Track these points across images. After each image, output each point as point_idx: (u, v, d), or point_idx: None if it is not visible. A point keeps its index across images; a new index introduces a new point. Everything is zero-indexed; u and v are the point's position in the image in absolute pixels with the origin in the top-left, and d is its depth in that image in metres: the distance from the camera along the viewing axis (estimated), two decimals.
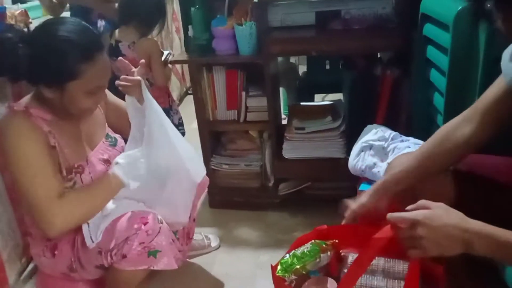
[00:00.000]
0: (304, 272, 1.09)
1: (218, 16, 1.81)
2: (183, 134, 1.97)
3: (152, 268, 1.16)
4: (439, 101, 1.34)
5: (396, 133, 1.46)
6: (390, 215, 0.84)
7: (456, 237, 0.76)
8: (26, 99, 1.18)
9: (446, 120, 1.29)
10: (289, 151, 1.84)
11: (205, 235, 1.77)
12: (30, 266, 1.59)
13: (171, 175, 1.25)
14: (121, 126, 1.38)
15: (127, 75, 1.27)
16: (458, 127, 0.99)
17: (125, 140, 1.37)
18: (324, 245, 1.13)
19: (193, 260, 1.69)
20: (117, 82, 1.26)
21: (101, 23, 2.00)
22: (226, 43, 1.77)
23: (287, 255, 1.12)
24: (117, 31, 1.85)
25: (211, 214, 2.00)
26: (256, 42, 1.74)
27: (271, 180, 1.96)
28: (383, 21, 1.70)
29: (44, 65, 1.07)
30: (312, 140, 1.82)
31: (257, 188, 1.99)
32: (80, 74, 1.08)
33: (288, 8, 1.78)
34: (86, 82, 1.10)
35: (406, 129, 1.61)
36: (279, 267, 1.08)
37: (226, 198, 2.01)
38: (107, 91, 1.29)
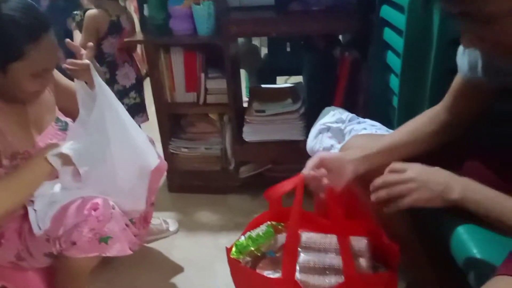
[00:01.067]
0: (259, 254, 1.09)
1: None
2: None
3: (104, 255, 1.13)
4: (395, 83, 1.35)
5: (353, 115, 1.47)
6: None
7: (444, 182, 0.78)
8: None
9: (401, 101, 1.32)
10: (250, 134, 1.83)
11: (163, 219, 1.74)
12: None
13: (123, 162, 1.21)
14: (72, 109, 1.31)
15: (75, 58, 1.20)
16: (430, 119, 1.00)
17: None
18: (280, 227, 1.13)
19: (151, 245, 1.67)
20: (64, 65, 1.19)
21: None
22: (183, 23, 1.72)
23: (242, 237, 1.11)
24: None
25: (170, 198, 1.97)
26: (214, 22, 1.70)
27: (231, 164, 1.94)
28: (342, 3, 1.69)
29: None
30: (272, 123, 1.81)
31: (218, 171, 1.97)
32: (24, 55, 1.01)
33: None
34: (31, 63, 1.03)
35: (364, 111, 1.63)
36: (233, 249, 1.08)
37: (185, 182, 1.99)
38: (56, 72, 1.23)
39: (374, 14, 1.50)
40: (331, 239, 1.05)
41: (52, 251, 1.12)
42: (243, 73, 2.56)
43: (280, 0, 1.74)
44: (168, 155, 1.91)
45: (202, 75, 1.82)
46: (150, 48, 1.78)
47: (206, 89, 1.85)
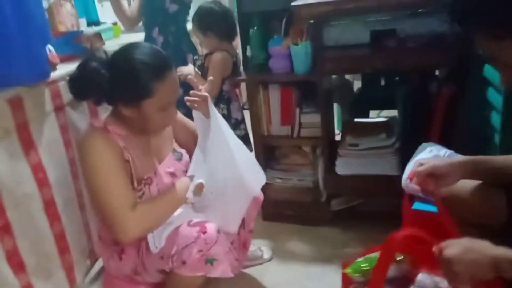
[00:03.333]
0: (369, 277, 1.10)
1: (275, 36, 1.89)
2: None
3: (208, 275, 1.23)
4: (496, 119, 1.32)
5: (452, 151, 1.44)
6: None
7: (485, 264, 0.82)
8: (104, 116, 1.31)
9: (503, 139, 1.28)
10: (342, 167, 1.86)
11: (258, 246, 1.83)
12: (95, 267, 1.73)
13: (228, 186, 1.33)
14: (187, 143, 1.48)
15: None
16: None
17: (190, 156, 1.46)
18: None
19: (246, 270, 1.75)
20: (186, 97, 1.37)
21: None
22: (282, 62, 1.84)
23: (360, 258, 1.14)
24: None
25: (264, 226, 2.05)
26: (310, 60, 1.80)
27: (323, 196, 1.98)
28: (438, 38, 1.69)
29: (123, 87, 1.19)
30: (365, 157, 1.82)
31: (309, 202, 2.02)
32: (154, 92, 1.19)
33: (343, 28, 1.81)
34: (159, 99, 1.20)
35: (462, 148, 1.59)
36: (349, 266, 1.11)
37: (279, 211, 2.06)
38: (176, 110, 1.40)
39: (472, 49, 1.48)
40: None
41: (165, 268, 1.25)
42: (335, 106, 2.62)
43: (375, 38, 1.78)
44: (263, 185, 2.01)
45: (297, 109, 1.92)
46: (250, 85, 1.93)
47: (300, 123, 1.94)
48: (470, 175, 1.07)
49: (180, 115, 1.48)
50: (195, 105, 1.35)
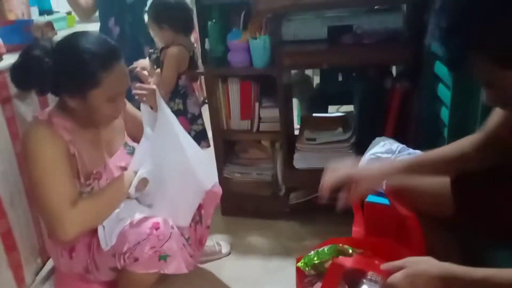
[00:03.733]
0: (322, 270, 1.11)
1: (233, 29, 1.87)
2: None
3: (162, 271, 1.22)
4: (445, 114, 1.37)
5: (403, 145, 1.49)
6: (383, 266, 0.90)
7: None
8: (49, 108, 1.25)
9: (450, 133, 1.33)
10: (300, 161, 1.88)
11: (216, 241, 1.82)
12: (46, 266, 1.67)
13: (176, 179, 1.31)
14: (138, 135, 1.45)
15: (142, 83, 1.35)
16: (463, 146, 1.04)
17: None
18: (349, 250, 1.14)
19: (204, 266, 1.74)
20: (133, 90, 1.33)
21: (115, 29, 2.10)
22: (240, 55, 1.83)
23: (312, 252, 1.14)
24: None
25: (223, 221, 2.05)
26: (269, 55, 1.79)
27: (282, 189, 2.00)
28: (393, 35, 1.73)
29: (67, 76, 1.15)
30: (322, 151, 1.85)
31: (268, 196, 2.03)
32: (100, 82, 1.15)
33: (301, 23, 1.82)
34: (106, 89, 1.17)
35: (415, 142, 1.64)
36: (302, 260, 1.12)
37: (237, 205, 2.06)
38: (126, 101, 1.36)
39: (424, 47, 1.53)
40: None
41: (117, 266, 1.22)
42: (295, 101, 2.64)
43: (332, 33, 1.80)
44: (222, 179, 2.00)
45: (257, 104, 1.92)
46: (209, 78, 1.91)
47: (259, 117, 1.94)
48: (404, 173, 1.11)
49: (130, 107, 1.45)
50: (144, 98, 1.32)
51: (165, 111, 1.32)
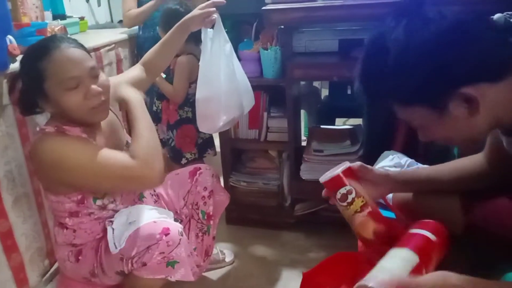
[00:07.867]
0: None
1: (245, 40, 1.89)
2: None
3: (169, 278, 1.21)
4: None
5: (412, 160, 1.49)
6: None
7: None
8: (49, 121, 1.23)
9: (460, 149, 1.33)
10: (307, 172, 1.88)
11: (220, 250, 1.81)
12: (53, 269, 1.67)
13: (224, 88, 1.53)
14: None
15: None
16: (471, 162, 1.06)
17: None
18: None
19: (207, 274, 1.74)
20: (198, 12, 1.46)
21: None
22: (251, 65, 1.84)
23: None
24: None
25: (228, 230, 2.04)
26: (280, 66, 1.81)
27: (287, 200, 2.00)
28: None
29: (27, 84, 1.19)
30: (330, 163, 1.84)
31: (274, 207, 2.03)
32: (44, 73, 1.13)
33: (313, 35, 1.84)
34: (54, 78, 1.13)
35: (423, 157, 1.64)
36: None
37: (242, 215, 2.06)
38: (116, 81, 1.34)
39: None
40: None
41: (124, 270, 1.22)
42: (302, 112, 2.65)
43: (343, 47, 1.82)
44: (228, 188, 2.01)
45: (265, 114, 1.92)
46: None
47: (267, 127, 1.95)
48: (400, 187, 1.12)
49: (123, 85, 1.37)
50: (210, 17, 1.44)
51: (223, 33, 1.52)
